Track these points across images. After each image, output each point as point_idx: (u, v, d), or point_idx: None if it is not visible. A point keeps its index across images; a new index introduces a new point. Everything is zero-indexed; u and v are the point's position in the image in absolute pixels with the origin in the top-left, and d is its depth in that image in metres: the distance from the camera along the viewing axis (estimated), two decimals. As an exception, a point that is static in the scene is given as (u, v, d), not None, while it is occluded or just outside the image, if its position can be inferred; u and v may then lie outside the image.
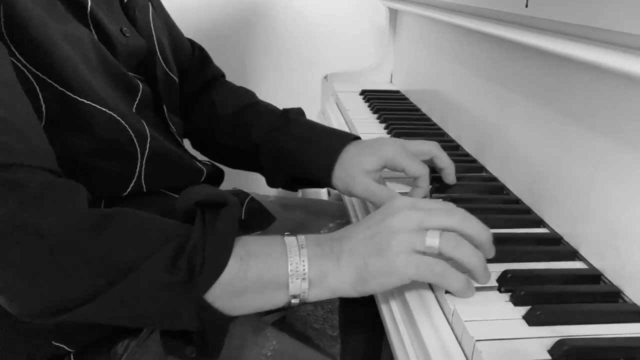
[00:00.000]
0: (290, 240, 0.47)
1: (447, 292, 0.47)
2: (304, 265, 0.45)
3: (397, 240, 0.45)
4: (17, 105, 0.46)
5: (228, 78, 0.89)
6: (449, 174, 0.67)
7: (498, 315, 0.44)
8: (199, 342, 0.46)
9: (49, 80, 0.51)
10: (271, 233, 0.64)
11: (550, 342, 0.41)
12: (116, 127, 0.56)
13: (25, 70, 0.50)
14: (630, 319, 0.44)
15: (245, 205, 0.76)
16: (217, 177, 0.74)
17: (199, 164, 0.69)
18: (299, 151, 0.69)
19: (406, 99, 1.17)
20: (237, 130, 0.76)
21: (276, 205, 0.85)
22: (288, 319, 1.06)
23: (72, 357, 0.57)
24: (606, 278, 0.50)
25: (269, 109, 0.77)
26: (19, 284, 0.42)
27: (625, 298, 0.47)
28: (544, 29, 0.59)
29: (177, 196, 0.63)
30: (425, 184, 0.64)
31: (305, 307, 1.53)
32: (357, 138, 0.69)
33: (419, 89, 1.14)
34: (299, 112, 0.76)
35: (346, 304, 1.04)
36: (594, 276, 0.50)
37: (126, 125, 0.57)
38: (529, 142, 0.65)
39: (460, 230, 0.46)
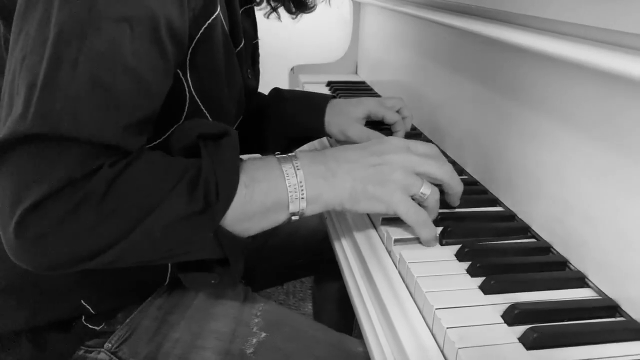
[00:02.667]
0: (286, 164, 0.50)
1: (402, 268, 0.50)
2: (302, 188, 0.49)
3: (397, 176, 0.51)
4: (133, 93, 0.47)
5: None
6: (409, 122, 0.82)
7: (456, 286, 0.48)
8: (219, 269, 0.50)
9: (199, 102, 0.56)
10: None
11: (503, 308, 0.45)
12: None
13: (186, 91, 0.55)
14: (574, 284, 0.49)
15: None
16: None
17: None
18: (294, 109, 0.81)
19: (371, 89, 1.20)
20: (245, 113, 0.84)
21: None
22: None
23: (83, 319, 0.60)
24: (555, 250, 0.54)
25: (262, 93, 0.87)
26: (53, 236, 0.43)
27: (571, 266, 0.51)
28: (496, 19, 0.63)
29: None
30: (402, 127, 0.79)
31: (278, 297, 1.56)
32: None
33: (382, 79, 1.17)
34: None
35: (320, 280, 1.07)
36: (544, 248, 0.54)
37: None
38: (483, 126, 0.69)
39: (446, 181, 0.54)
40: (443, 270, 0.50)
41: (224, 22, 0.59)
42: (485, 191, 0.67)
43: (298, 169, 0.50)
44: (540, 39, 0.53)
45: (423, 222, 0.52)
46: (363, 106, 0.79)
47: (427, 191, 0.52)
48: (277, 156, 0.51)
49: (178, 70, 0.53)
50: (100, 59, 0.43)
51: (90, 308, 0.59)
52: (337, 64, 1.37)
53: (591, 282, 0.49)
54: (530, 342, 0.40)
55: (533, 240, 0.56)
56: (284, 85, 1.39)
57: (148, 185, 0.46)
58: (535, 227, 0.57)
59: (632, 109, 0.45)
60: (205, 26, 0.54)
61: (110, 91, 0.44)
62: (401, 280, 0.51)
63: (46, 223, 0.43)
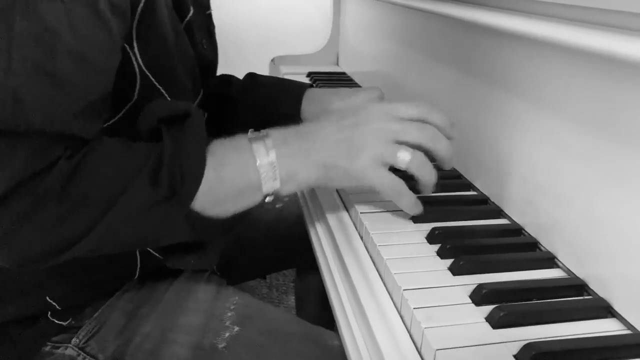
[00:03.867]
0: (256, 143, 0.48)
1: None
2: (274, 168, 0.48)
3: (369, 148, 0.49)
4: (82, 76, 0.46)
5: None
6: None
7: (425, 267, 0.48)
8: (198, 251, 0.50)
9: (150, 76, 0.54)
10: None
11: (471, 289, 0.44)
12: None
13: (135, 65, 0.53)
14: (544, 265, 0.49)
15: None
16: None
17: None
18: (270, 96, 0.80)
19: (351, 79, 1.20)
20: (218, 98, 0.82)
21: None
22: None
23: (49, 314, 0.59)
24: (526, 231, 0.54)
25: (236, 77, 0.86)
26: (19, 232, 0.43)
27: (542, 248, 0.51)
28: (469, 2, 0.63)
29: None
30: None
31: (260, 291, 1.55)
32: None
33: (363, 70, 1.17)
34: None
35: (302, 273, 1.07)
36: (515, 230, 0.54)
37: None
38: (455, 109, 0.68)
39: (425, 146, 0.51)
40: (413, 253, 0.49)
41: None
42: (459, 176, 0.67)
43: (270, 149, 0.48)
44: (511, 19, 0.53)
45: (399, 193, 0.50)
46: (339, 97, 0.77)
47: (406, 156, 0.49)
48: (248, 136, 0.49)
49: (125, 45, 0.51)
50: (36, 43, 0.41)
51: (55, 304, 0.58)
52: (318, 55, 1.36)
53: (560, 262, 0.48)
54: (496, 321, 0.40)
55: (505, 222, 0.56)
56: (265, 76, 1.38)
57: (108, 176, 0.44)
58: (507, 210, 0.57)
59: (605, 88, 0.44)
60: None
61: (54, 76, 0.42)
62: (372, 262, 0.50)
63: (8, 220, 0.42)
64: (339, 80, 1.20)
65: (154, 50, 0.54)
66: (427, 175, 0.51)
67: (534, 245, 0.52)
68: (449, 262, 0.48)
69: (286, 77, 1.23)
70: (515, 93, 0.56)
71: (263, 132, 0.50)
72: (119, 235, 0.45)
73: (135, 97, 0.54)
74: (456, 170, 0.68)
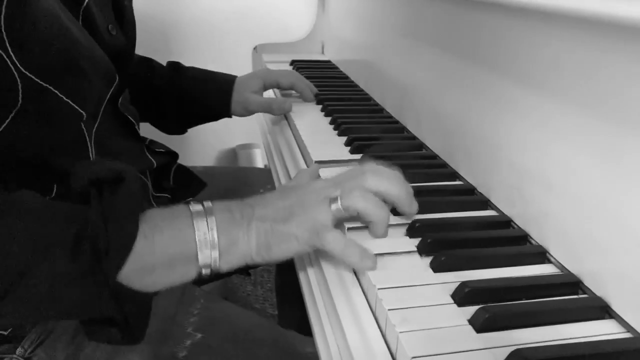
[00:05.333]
0: (196, 209, 0.43)
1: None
2: (212, 234, 0.42)
3: (305, 210, 0.44)
4: None
5: (158, 51, 0.89)
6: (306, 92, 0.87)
7: (404, 264, 0.43)
8: (122, 324, 0.43)
9: (33, 77, 0.48)
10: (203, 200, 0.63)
11: (454, 287, 0.40)
12: (77, 127, 0.55)
13: (12, 68, 0.47)
14: (535, 260, 0.44)
15: (173, 171, 0.77)
16: (169, 166, 0.76)
17: (149, 157, 0.70)
18: (199, 90, 0.81)
19: (336, 68, 1.15)
20: (139, 81, 0.80)
21: (204, 174, 0.82)
22: (228, 300, 1.05)
23: None
24: (515, 223, 0.49)
25: (158, 62, 0.85)
26: None
27: (532, 241, 0.47)
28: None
29: None
30: (301, 86, 0.86)
31: (245, 288, 1.51)
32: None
33: (347, 59, 1.12)
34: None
35: (282, 270, 1.02)
36: (504, 222, 0.50)
37: (84, 129, 0.56)
38: (439, 98, 0.64)
39: (374, 190, 0.45)
40: (391, 248, 0.45)
41: None
42: (444, 165, 0.62)
43: (210, 215, 0.43)
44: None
45: (342, 249, 0.43)
46: (256, 78, 0.82)
47: (337, 206, 0.44)
48: (188, 203, 0.44)
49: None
50: None
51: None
52: (302, 43, 1.31)
53: (553, 257, 0.44)
54: (480, 324, 0.36)
55: (493, 213, 0.52)
56: (247, 64, 1.33)
57: (21, 242, 0.38)
58: (494, 200, 0.53)
59: (598, 65, 0.40)
60: None
61: None
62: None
63: None
64: (323, 68, 1.15)
65: (34, 52, 0.48)
66: (370, 207, 0.44)
67: (523, 238, 0.47)
68: (430, 258, 0.43)
69: (269, 65, 1.17)
70: (502, 73, 0.51)
71: (206, 202, 0.45)
72: (28, 311, 0.39)
73: (20, 101, 0.48)
74: (440, 158, 0.64)
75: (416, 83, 0.72)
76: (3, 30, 0.46)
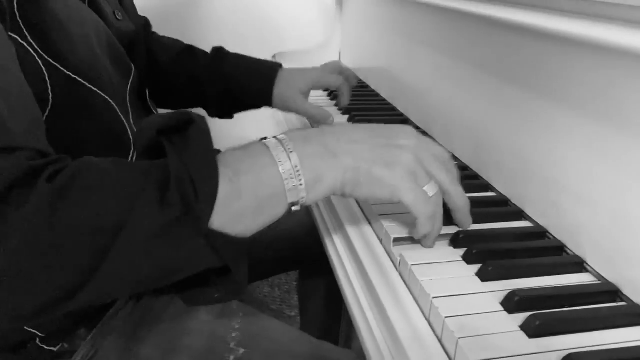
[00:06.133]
0: (274, 146, 0.43)
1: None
2: (298, 173, 0.42)
3: (407, 162, 0.45)
4: (17, 86, 0.43)
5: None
6: (354, 80, 0.89)
7: (452, 273, 0.46)
8: (220, 280, 0.43)
9: (58, 66, 0.49)
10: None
11: (502, 295, 0.43)
12: (114, 115, 0.56)
13: (35, 56, 0.48)
14: (573, 269, 0.47)
15: None
16: None
17: None
18: (241, 76, 0.80)
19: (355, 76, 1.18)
20: (182, 71, 0.82)
21: None
22: (245, 301, 1.08)
23: (37, 341, 0.54)
24: (551, 234, 0.52)
25: (201, 50, 0.86)
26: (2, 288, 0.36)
27: (569, 251, 0.50)
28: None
29: None
30: (346, 91, 0.85)
31: (262, 290, 1.54)
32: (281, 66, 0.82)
33: (366, 67, 1.15)
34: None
35: (306, 275, 1.05)
36: (540, 233, 0.53)
37: (121, 115, 0.57)
38: (469, 109, 0.67)
39: (446, 189, 0.47)
40: (438, 258, 0.48)
41: None
42: (476, 176, 0.65)
43: (291, 152, 0.42)
44: (531, 16, 0.51)
45: (431, 215, 0.45)
46: (307, 78, 0.79)
47: (432, 192, 0.46)
48: (263, 141, 0.44)
49: (16, 36, 0.46)
50: None
51: (37, 332, 0.52)
52: (320, 51, 1.34)
53: (590, 266, 0.47)
54: (532, 330, 0.39)
55: (528, 224, 0.55)
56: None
57: (105, 201, 0.37)
58: (529, 212, 0.56)
59: (628, 85, 0.43)
60: None
61: None
62: (394, 268, 0.49)
63: None
64: (343, 76, 1.18)
65: (52, 38, 0.48)
66: (438, 222, 0.47)
67: (560, 248, 0.50)
68: (475, 267, 0.47)
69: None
70: (535, 91, 0.55)
71: (279, 135, 0.44)
72: (129, 273, 0.38)
73: (51, 94, 0.48)
74: (471, 169, 0.67)
75: (446, 96, 0.75)
76: (19, 18, 0.46)
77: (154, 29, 0.88)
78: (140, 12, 0.94)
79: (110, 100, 0.56)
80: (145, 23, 0.86)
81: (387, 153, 0.45)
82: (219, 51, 0.83)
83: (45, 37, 0.48)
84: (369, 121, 0.84)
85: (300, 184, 0.42)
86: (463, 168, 0.68)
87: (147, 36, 0.84)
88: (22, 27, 0.47)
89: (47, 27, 0.48)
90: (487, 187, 0.63)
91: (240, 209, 0.41)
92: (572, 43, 0.48)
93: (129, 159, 0.57)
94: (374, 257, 0.51)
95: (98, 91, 0.54)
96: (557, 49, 0.51)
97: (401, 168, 0.45)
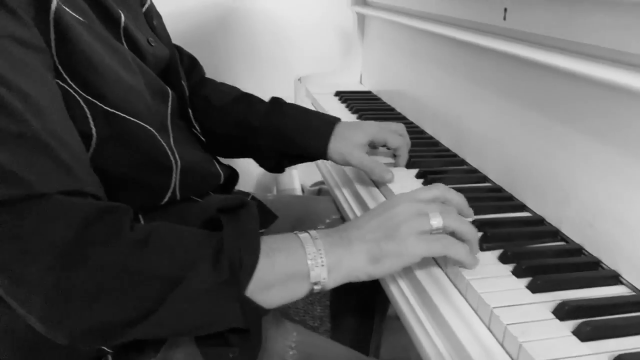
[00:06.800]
0: (303, 234, 0.52)
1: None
2: (321, 255, 0.50)
3: (405, 225, 0.52)
4: (73, 132, 0.50)
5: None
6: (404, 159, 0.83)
7: (505, 286, 0.53)
8: (238, 341, 0.50)
9: (98, 103, 0.54)
10: (273, 230, 0.70)
11: (552, 305, 0.49)
12: (153, 141, 0.60)
13: (76, 96, 0.53)
14: (609, 282, 0.54)
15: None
16: (232, 180, 0.79)
17: (218, 168, 0.74)
18: (296, 129, 0.80)
19: (379, 99, 1.25)
20: (235, 118, 0.82)
21: (275, 203, 0.90)
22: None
23: (110, 358, 0.58)
24: (586, 251, 0.59)
25: (258, 98, 0.85)
26: (71, 310, 0.44)
27: (604, 266, 0.56)
28: (519, 39, 0.68)
29: (201, 200, 0.69)
30: (404, 152, 0.82)
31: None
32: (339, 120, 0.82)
33: (389, 90, 1.22)
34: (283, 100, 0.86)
35: (338, 291, 1.09)
36: (576, 250, 0.59)
37: (161, 140, 0.61)
38: (504, 135, 0.74)
39: (455, 228, 0.53)
40: (490, 273, 0.54)
41: (88, 12, 0.56)
42: (511, 197, 0.72)
43: (316, 239, 0.51)
44: (569, 61, 0.58)
45: (450, 245, 0.52)
46: (365, 132, 0.79)
47: (438, 222, 0.52)
48: (295, 232, 0.53)
49: (57, 81, 0.52)
50: None
51: (106, 348, 0.58)
52: (341, 74, 1.41)
53: (625, 279, 0.54)
54: (584, 335, 0.45)
55: (563, 243, 0.61)
56: (287, 94, 1.43)
57: (175, 254, 0.46)
58: (565, 230, 0.62)
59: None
60: (52, 22, 0.51)
61: (22, 136, 0.44)
62: (450, 282, 0.55)
63: (62, 293, 0.43)
64: (368, 99, 1.24)
65: (89, 78, 0.54)
66: (466, 226, 0.53)
67: (596, 264, 0.57)
68: (525, 280, 0.53)
69: (315, 95, 1.28)
70: (572, 125, 0.61)
71: (309, 231, 0.53)
72: (179, 315, 0.46)
73: (94, 128, 0.54)
74: (505, 190, 0.74)
75: (479, 121, 0.82)
76: (58, 64, 0.52)
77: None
78: (172, 34, 0.99)
79: (148, 127, 0.60)
80: (188, 56, 0.89)
81: (386, 227, 0.52)
82: (276, 101, 0.83)
83: (81, 77, 0.53)
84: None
85: (322, 265, 0.50)
86: (497, 189, 0.75)
87: (193, 73, 0.88)
88: (61, 70, 0.52)
89: (81, 67, 0.53)
90: (523, 207, 0.69)
91: (271, 281, 0.49)
92: (613, 88, 0.55)
93: (172, 180, 0.62)
94: (428, 273, 0.57)
95: (136, 120, 0.58)
96: (595, 90, 0.58)
97: (403, 231, 0.51)
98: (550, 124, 0.65)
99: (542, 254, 0.58)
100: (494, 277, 0.54)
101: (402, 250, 0.52)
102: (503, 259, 0.57)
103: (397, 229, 0.52)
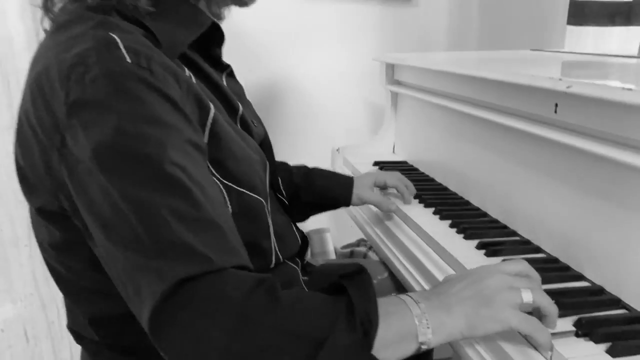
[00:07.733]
0: (406, 297, 0.58)
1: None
2: (425, 317, 0.56)
3: (499, 296, 0.59)
4: (228, 214, 0.59)
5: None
6: (412, 189, 1.13)
7: (585, 352, 0.60)
8: None
9: (233, 186, 0.65)
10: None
11: (631, 369, 0.57)
12: (264, 210, 0.71)
13: (219, 183, 0.64)
14: (677, 347, 0.62)
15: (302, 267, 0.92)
16: (305, 243, 0.91)
17: (295, 231, 0.86)
18: (326, 185, 1.08)
19: (416, 169, 1.35)
20: (283, 181, 0.99)
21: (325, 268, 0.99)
22: None
23: None
24: (650, 318, 0.67)
25: (292, 165, 1.10)
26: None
27: (667, 332, 0.64)
28: (570, 129, 0.79)
29: (292, 264, 0.78)
30: (402, 189, 1.10)
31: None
32: None
33: (424, 160, 1.31)
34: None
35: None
36: (638, 317, 0.67)
37: (266, 207, 0.72)
38: (558, 211, 0.83)
39: (537, 303, 0.60)
40: (565, 341, 0.62)
41: (220, 107, 0.69)
42: (567, 267, 0.80)
43: (419, 302, 0.57)
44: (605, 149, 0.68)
45: (536, 327, 0.58)
46: (371, 177, 1.11)
47: (529, 297, 0.59)
48: (396, 295, 0.58)
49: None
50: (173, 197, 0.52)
51: None
52: (376, 145, 1.52)
53: (687, 344, 0.61)
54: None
55: (625, 311, 0.69)
56: (327, 163, 1.53)
57: (314, 317, 0.51)
58: (624, 298, 0.70)
59: None
60: (208, 127, 0.63)
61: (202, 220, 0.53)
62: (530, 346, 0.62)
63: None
64: (405, 169, 1.33)
65: (228, 166, 0.66)
66: (553, 306, 0.60)
67: (663, 331, 0.65)
68: (603, 346, 0.61)
69: (355, 165, 1.38)
70: (620, 205, 0.71)
71: (410, 294, 0.59)
72: None
73: (230, 207, 0.65)
74: (561, 261, 0.82)
75: (528, 194, 0.91)
76: (207, 159, 0.63)
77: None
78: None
79: (262, 200, 0.72)
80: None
81: (484, 295, 0.58)
82: (306, 167, 1.08)
83: (224, 166, 0.66)
84: (456, 215, 1.00)
85: (428, 327, 0.56)
86: (554, 260, 0.83)
87: None
88: (209, 163, 0.63)
89: (225, 158, 0.66)
90: (581, 277, 0.77)
91: (388, 340, 0.54)
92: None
93: (272, 244, 0.74)
94: (517, 347, 0.64)
95: (255, 195, 0.71)
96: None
97: (499, 302, 0.57)
98: (602, 201, 0.74)
99: (611, 322, 0.66)
100: (571, 345, 0.61)
101: (499, 317, 0.58)
102: (579, 327, 0.64)
103: (492, 298, 0.59)
